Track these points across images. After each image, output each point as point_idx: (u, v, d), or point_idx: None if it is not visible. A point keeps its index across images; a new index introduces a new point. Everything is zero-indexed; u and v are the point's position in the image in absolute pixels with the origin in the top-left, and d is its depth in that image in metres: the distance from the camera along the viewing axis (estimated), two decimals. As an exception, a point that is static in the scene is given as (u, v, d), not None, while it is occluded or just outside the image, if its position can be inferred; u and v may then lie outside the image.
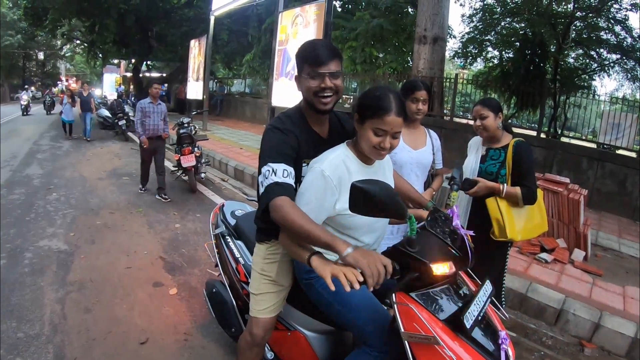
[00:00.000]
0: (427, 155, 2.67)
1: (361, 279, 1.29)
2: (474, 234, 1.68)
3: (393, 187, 1.78)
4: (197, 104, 14.08)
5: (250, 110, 17.35)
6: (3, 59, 29.67)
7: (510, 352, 1.39)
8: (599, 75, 13.64)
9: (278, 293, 1.91)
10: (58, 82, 39.72)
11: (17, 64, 36.04)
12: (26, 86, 27.41)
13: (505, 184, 2.46)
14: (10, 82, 36.49)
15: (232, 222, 2.59)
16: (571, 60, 13.73)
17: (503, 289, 2.79)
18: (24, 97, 20.55)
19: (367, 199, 1.30)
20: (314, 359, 1.95)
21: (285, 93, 8.29)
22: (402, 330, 1.39)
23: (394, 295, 1.45)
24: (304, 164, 1.70)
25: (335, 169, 1.57)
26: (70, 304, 3.22)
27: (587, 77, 13.35)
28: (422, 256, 1.40)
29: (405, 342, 1.39)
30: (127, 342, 2.81)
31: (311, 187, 1.56)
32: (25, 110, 20.34)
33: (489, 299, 1.49)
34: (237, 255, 2.36)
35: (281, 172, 1.54)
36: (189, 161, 6.53)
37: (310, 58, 1.64)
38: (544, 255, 4.17)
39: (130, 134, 13.10)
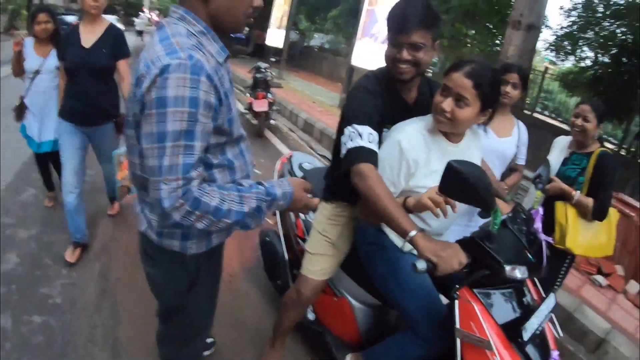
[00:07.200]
0: (510, 147, 2.47)
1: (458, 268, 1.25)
2: (553, 242, 1.57)
3: None
4: (274, 51, 13.65)
5: (328, 66, 16.68)
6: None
7: None
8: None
9: (334, 257, 1.84)
10: (139, 13, 37.08)
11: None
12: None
13: (579, 192, 2.35)
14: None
15: (299, 174, 2.40)
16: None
17: None
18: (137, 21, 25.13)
19: (460, 181, 1.18)
20: (354, 329, 1.92)
21: (367, 54, 8.06)
22: (458, 326, 1.32)
23: (458, 289, 1.37)
24: (384, 130, 1.58)
25: (414, 142, 1.46)
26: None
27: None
28: (498, 254, 1.27)
29: (458, 339, 1.33)
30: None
31: (387, 157, 1.47)
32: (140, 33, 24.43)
33: (550, 314, 1.39)
34: None
35: (367, 136, 1.43)
36: (261, 106, 6.38)
37: (392, 22, 1.49)
38: (599, 277, 3.88)
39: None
